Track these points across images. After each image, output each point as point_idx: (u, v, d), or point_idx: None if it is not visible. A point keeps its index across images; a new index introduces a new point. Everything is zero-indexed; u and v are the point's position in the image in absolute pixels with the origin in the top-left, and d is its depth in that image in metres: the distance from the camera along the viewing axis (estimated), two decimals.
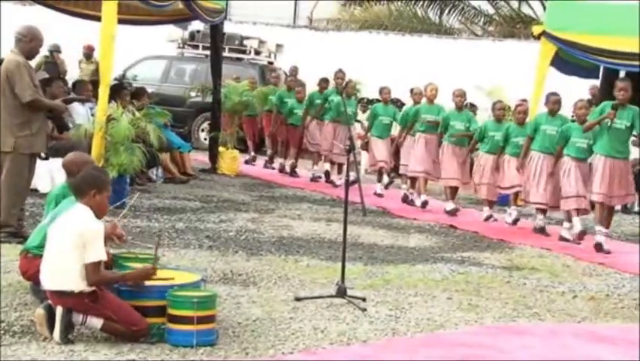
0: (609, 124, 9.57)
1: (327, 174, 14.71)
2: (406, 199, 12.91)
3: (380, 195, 13.21)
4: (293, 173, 15.15)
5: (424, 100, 12.76)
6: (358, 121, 14.65)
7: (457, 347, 5.83)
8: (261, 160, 16.49)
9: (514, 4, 23.76)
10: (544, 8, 14.81)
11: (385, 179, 13.88)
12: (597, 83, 14.91)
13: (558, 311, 7.03)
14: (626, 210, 13.25)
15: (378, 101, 14.68)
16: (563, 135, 10.29)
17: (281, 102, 15.23)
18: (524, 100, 11.96)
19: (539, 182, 10.47)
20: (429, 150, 12.37)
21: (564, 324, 6.69)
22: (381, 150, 13.44)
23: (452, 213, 11.72)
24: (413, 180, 12.96)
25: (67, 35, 17.41)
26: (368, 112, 14.45)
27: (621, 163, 9.79)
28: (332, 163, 14.59)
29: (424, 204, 12.34)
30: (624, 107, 9.60)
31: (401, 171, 13.30)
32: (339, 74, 14.30)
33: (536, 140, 10.63)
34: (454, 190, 12.05)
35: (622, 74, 14.75)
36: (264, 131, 16.19)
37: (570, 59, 13.06)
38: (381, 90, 13.65)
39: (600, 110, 9.73)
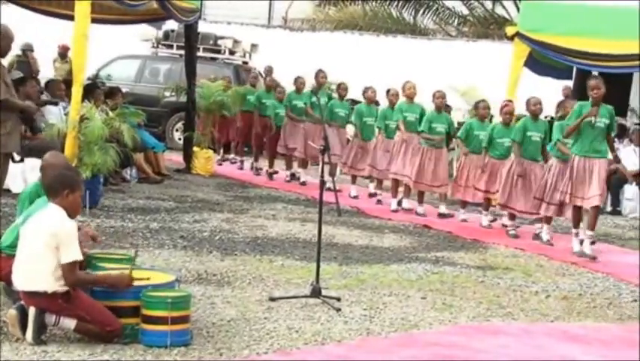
0: (593, 122, 9.33)
1: (292, 175, 14.59)
2: (374, 196, 12.94)
3: (355, 198, 13.09)
4: (271, 177, 14.85)
5: (402, 99, 12.48)
6: (350, 122, 14.26)
7: (432, 346, 5.85)
8: (227, 161, 16.44)
9: (488, 5, 23.90)
10: (518, 9, 14.89)
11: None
12: (570, 83, 15.03)
13: (531, 311, 7.07)
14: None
15: (357, 102, 14.60)
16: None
17: (260, 103, 15.02)
18: (510, 100, 11.60)
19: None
20: (410, 151, 12.04)
21: (537, 323, 6.73)
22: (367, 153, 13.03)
23: (423, 214, 11.70)
24: (380, 180, 12.96)
25: (41, 34, 17.27)
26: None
27: (598, 162, 9.47)
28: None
29: (400, 203, 12.34)
30: (599, 105, 9.43)
31: (367, 172, 13.00)
32: (322, 73, 14.03)
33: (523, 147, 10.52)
34: (422, 193, 11.92)
35: (595, 75, 14.90)
36: (238, 131, 16.03)
37: (543, 59, 13.15)
38: (366, 90, 13.30)
39: (578, 112, 9.48)
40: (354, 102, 15.06)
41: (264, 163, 15.31)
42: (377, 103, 13.67)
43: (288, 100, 14.41)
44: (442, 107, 12.05)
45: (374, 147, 12.84)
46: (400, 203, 12.21)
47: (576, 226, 9.71)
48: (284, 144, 14.33)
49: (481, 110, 11.66)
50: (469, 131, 11.48)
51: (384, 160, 12.55)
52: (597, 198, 9.38)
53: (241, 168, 15.83)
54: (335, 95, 14.21)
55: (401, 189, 12.38)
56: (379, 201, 12.68)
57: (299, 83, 14.43)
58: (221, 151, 16.71)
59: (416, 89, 12.31)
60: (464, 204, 11.58)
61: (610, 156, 9.96)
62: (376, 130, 13.04)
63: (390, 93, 12.81)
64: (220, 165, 16.04)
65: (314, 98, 13.53)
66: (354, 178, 13.45)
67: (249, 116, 15.29)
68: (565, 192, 9.59)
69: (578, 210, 9.66)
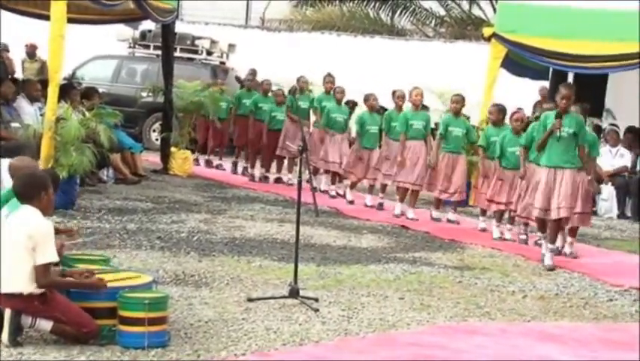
0: (558, 134, 8.89)
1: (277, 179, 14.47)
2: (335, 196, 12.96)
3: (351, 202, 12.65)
4: (264, 180, 14.58)
5: (408, 105, 11.94)
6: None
7: (409, 346, 5.86)
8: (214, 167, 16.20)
9: (465, 6, 24.01)
10: (495, 10, 14.96)
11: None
12: (547, 84, 15.12)
13: (508, 310, 7.11)
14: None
15: (355, 103, 14.53)
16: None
17: (256, 107, 14.61)
18: (520, 108, 11.40)
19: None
20: (416, 158, 11.63)
21: (514, 323, 6.76)
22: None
23: (398, 216, 11.65)
24: (335, 175, 12.93)
25: (8, 34, 17.15)
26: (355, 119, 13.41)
27: (571, 173, 9.03)
28: (326, 172, 13.60)
29: (380, 205, 12.22)
30: (567, 113, 8.97)
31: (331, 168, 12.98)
32: (329, 78, 13.61)
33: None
34: (404, 192, 11.85)
35: (571, 75, 15.02)
36: (223, 135, 15.66)
37: (520, 60, 13.23)
38: (367, 97, 12.74)
39: (543, 123, 9.08)
40: (354, 104, 14.87)
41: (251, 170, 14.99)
42: (383, 109, 13.23)
43: (291, 101, 13.99)
44: (460, 112, 11.55)
45: (380, 152, 12.38)
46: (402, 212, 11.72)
47: (552, 240, 9.13)
48: (282, 145, 13.94)
49: (413, 96, 11.60)
50: (447, 127, 11.38)
51: (388, 165, 12.12)
52: (563, 210, 8.92)
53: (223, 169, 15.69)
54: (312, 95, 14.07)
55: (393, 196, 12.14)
56: (380, 205, 12.23)
57: (301, 83, 14.12)
58: (212, 156, 16.30)
59: (423, 96, 11.93)
60: (483, 212, 11.11)
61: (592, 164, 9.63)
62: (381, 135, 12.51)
63: (397, 96, 12.30)
64: (198, 165, 15.89)
65: (330, 104, 13.17)
66: (353, 185, 12.95)
67: (244, 121, 14.89)
68: (534, 206, 9.11)
69: (552, 223, 9.10)
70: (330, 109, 13.23)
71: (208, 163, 16.19)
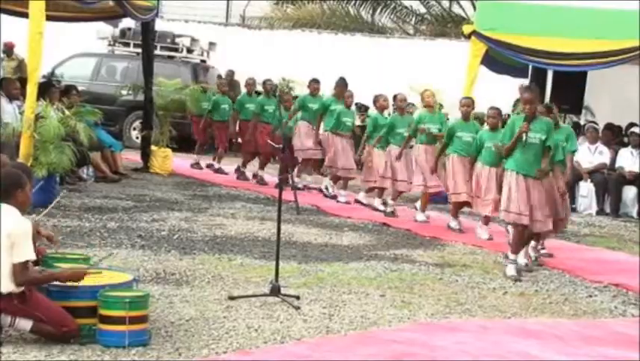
0: (524, 138, 8.35)
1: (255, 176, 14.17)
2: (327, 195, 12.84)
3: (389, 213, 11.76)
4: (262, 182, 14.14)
5: (421, 108, 11.52)
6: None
7: (391, 344, 5.87)
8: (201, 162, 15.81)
9: (445, 4, 24.06)
10: (475, 8, 15.00)
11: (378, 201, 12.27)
12: (526, 82, 15.17)
13: (489, 307, 7.14)
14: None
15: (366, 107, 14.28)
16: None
17: (262, 110, 14.14)
18: (496, 108, 10.68)
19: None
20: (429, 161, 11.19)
21: (495, 320, 6.79)
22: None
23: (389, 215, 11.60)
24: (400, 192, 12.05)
25: None
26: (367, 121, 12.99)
27: (540, 182, 8.52)
28: (337, 179, 13.15)
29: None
30: (535, 118, 8.45)
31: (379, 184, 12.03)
32: (340, 82, 13.06)
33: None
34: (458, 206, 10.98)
35: (550, 73, 15.10)
36: (243, 141, 14.88)
37: (500, 58, 13.27)
38: (377, 98, 12.34)
39: (511, 127, 8.56)
40: (365, 108, 14.63)
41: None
42: (365, 108, 13.04)
43: (302, 103, 13.52)
44: (469, 116, 10.93)
45: (390, 157, 11.78)
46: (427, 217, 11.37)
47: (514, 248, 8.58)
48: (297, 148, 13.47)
49: (425, 98, 11.37)
50: (418, 125, 11.24)
51: (404, 171, 11.64)
52: (523, 217, 8.37)
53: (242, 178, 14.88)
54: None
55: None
56: (392, 213, 11.62)
57: (313, 86, 13.57)
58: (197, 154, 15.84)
59: (435, 97, 11.51)
60: (487, 220, 10.50)
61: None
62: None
63: (398, 99, 11.97)
64: (201, 169, 15.37)
65: (339, 107, 12.81)
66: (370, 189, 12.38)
67: (248, 125, 14.27)
68: (508, 210, 8.46)
69: (516, 232, 8.63)
70: (341, 112, 12.78)
71: (209, 167, 15.47)
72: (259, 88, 14.86)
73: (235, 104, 14.99)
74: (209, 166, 15.50)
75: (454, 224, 10.81)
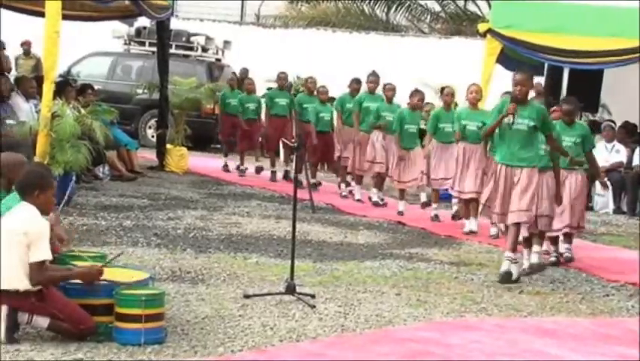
0: (510, 121, 7.90)
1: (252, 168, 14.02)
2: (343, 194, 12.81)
3: (401, 213, 11.60)
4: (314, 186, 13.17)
5: (464, 104, 11.01)
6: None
7: (406, 342, 5.86)
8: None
9: (461, 2, 24.02)
10: (490, 6, 14.97)
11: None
12: (542, 80, 15.12)
13: (505, 306, 7.11)
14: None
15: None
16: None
17: (300, 108, 13.85)
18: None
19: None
20: (473, 165, 10.49)
21: (511, 319, 6.77)
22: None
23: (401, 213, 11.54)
24: (360, 177, 12.50)
25: (2, 31, 17.11)
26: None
27: (521, 172, 7.98)
28: (358, 176, 12.78)
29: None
30: (525, 104, 8.01)
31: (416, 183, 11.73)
32: (372, 77, 12.64)
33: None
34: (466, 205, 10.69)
35: (566, 71, 15.04)
36: (252, 137, 14.70)
37: (515, 56, 13.23)
38: (384, 87, 12.23)
39: (499, 108, 8.13)
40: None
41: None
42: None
43: (340, 103, 13.02)
44: (477, 104, 10.60)
45: (427, 154, 11.22)
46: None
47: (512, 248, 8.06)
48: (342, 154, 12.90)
49: (444, 96, 11.29)
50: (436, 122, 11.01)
51: (439, 169, 11.05)
52: (518, 214, 7.94)
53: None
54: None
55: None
56: (436, 217, 11.19)
57: (353, 86, 13.06)
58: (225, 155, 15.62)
59: (481, 94, 10.71)
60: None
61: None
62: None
63: (445, 93, 11.43)
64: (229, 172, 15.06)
65: (376, 104, 12.27)
66: (402, 193, 11.89)
67: (280, 121, 14.10)
68: (493, 210, 8.14)
69: (510, 228, 8.11)
70: (380, 108, 12.15)
71: (238, 169, 14.98)
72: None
73: (266, 100, 14.57)
74: (237, 168, 14.97)
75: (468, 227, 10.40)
